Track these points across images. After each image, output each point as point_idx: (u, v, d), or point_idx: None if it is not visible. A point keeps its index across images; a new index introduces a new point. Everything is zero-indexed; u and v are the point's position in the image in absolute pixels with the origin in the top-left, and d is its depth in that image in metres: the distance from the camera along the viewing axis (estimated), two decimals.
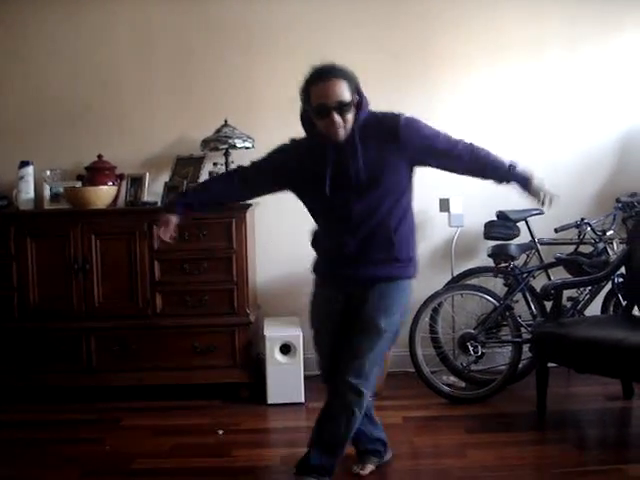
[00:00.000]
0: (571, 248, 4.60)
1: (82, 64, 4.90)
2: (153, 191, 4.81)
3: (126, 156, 4.85)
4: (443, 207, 4.77)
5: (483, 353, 4.36)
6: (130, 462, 3.53)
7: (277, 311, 4.88)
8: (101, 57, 4.90)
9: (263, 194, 3.30)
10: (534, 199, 3.03)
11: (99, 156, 4.72)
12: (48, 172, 4.79)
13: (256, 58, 4.90)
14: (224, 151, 4.65)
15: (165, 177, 4.82)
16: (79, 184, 4.70)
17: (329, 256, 3.09)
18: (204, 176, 4.67)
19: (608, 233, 4.55)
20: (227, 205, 3.72)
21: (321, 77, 2.84)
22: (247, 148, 4.64)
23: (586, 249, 4.55)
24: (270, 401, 4.35)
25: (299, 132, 4.89)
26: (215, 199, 3.22)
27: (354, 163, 2.87)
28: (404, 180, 2.98)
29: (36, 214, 4.65)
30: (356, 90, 2.87)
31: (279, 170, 3.07)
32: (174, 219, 3.07)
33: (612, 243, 4.54)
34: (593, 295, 4.51)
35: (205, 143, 4.64)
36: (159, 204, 4.64)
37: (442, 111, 4.90)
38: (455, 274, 4.66)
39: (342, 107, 2.81)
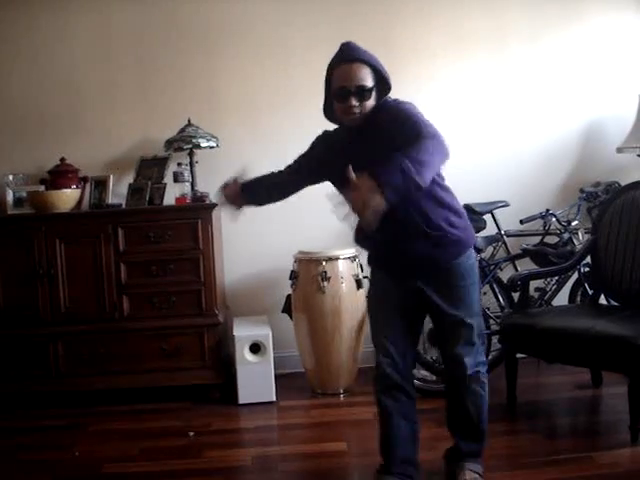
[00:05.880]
0: (537, 239, 4.63)
1: (42, 67, 4.84)
2: (117, 193, 4.76)
3: (89, 159, 4.80)
4: None
5: None
6: (99, 467, 3.50)
7: (246, 311, 4.86)
8: (61, 59, 4.84)
9: (307, 183, 3.10)
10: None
11: (62, 159, 4.67)
12: (10, 177, 4.73)
13: (218, 57, 4.87)
14: (188, 151, 4.62)
15: (129, 179, 4.78)
16: (42, 188, 4.64)
17: (375, 251, 3.01)
18: (169, 176, 4.64)
19: (573, 223, 4.58)
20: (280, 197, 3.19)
21: (344, 59, 2.77)
22: (211, 147, 4.62)
23: (552, 240, 4.58)
24: (241, 401, 4.33)
25: (262, 130, 4.94)
26: (267, 187, 3.10)
27: (372, 149, 2.75)
28: None
29: None
30: (381, 78, 2.80)
31: (314, 158, 3.02)
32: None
33: (577, 233, 4.58)
34: (560, 285, 4.55)
35: (169, 143, 4.61)
36: (124, 206, 4.60)
37: None
38: None
39: (362, 92, 2.74)
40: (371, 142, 2.78)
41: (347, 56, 2.77)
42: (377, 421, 3.08)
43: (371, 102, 2.78)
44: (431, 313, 3.02)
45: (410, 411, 3.04)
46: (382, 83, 2.82)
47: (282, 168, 3.12)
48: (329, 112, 2.90)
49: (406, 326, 3.00)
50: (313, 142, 3.05)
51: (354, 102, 2.73)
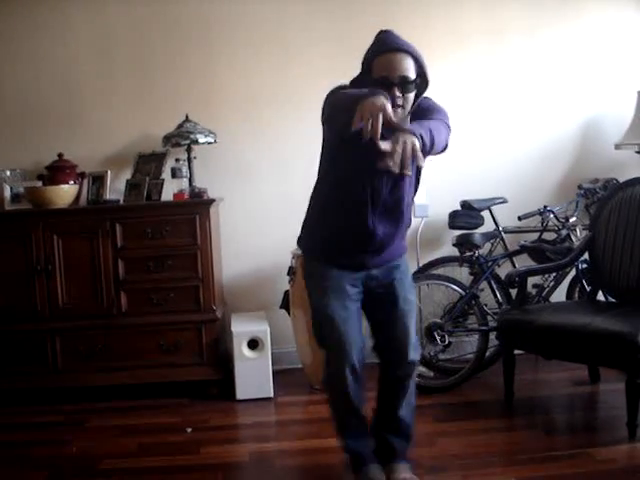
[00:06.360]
0: (535, 236, 4.63)
1: (41, 63, 4.82)
2: (115, 189, 4.74)
3: (87, 154, 4.79)
4: None
5: (450, 342, 4.37)
6: (97, 463, 3.49)
7: (244, 307, 4.86)
8: (60, 55, 4.82)
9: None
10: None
11: (60, 155, 4.66)
12: (8, 172, 4.72)
13: (215, 52, 4.85)
14: (186, 147, 4.59)
15: (127, 174, 4.76)
16: (40, 184, 4.63)
17: (343, 239, 2.87)
18: (167, 173, 4.63)
19: (571, 220, 4.58)
20: None
21: (388, 49, 2.65)
22: (209, 143, 4.61)
23: (550, 236, 4.58)
24: (239, 397, 4.33)
25: (260, 126, 4.93)
26: None
27: None
28: None
29: None
30: (420, 73, 2.69)
31: None
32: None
33: (575, 230, 4.56)
34: (558, 281, 4.54)
35: (167, 139, 4.59)
36: (121, 202, 4.59)
37: None
38: (421, 264, 4.66)
39: (405, 84, 2.63)
40: None
41: (391, 45, 2.67)
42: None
43: (412, 96, 2.69)
44: (383, 305, 2.94)
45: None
46: (422, 78, 2.71)
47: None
48: None
49: (359, 321, 2.94)
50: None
51: (398, 93, 2.62)
